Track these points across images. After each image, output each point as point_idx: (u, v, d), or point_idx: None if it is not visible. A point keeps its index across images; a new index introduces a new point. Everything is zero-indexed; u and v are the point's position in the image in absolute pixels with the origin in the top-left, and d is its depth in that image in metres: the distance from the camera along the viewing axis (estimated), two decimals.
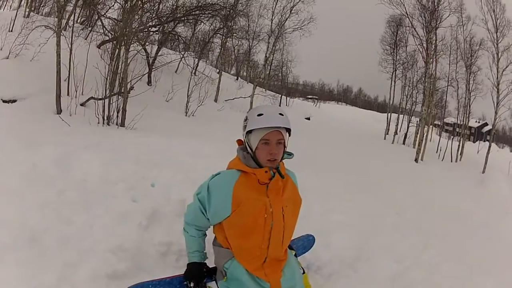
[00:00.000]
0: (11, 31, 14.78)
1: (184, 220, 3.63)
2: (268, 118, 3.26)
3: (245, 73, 43.11)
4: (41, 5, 21.88)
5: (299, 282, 3.58)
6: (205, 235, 3.63)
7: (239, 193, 3.28)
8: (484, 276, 6.23)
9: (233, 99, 24.32)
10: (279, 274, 3.41)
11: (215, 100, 23.04)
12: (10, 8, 20.85)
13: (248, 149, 3.40)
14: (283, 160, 3.46)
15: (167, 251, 4.79)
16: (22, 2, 20.08)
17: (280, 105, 30.64)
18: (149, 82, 18.52)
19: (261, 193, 3.32)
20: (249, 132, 3.33)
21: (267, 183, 3.33)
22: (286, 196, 3.44)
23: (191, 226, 3.55)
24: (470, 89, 30.63)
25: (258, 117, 3.27)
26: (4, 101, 10.53)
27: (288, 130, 3.40)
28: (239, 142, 3.56)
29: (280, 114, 3.32)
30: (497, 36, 27.39)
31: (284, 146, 3.38)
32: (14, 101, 10.71)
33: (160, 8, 19.36)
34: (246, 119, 3.38)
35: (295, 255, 3.89)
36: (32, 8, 19.99)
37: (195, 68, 23.98)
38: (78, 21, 20.47)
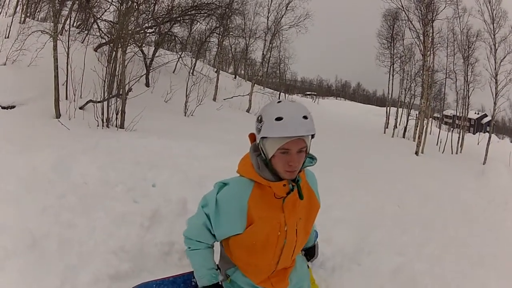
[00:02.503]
0: (8, 37, 14.76)
1: (184, 236, 3.10)
2: (290, 125, 2.58)
3: (243, 72, 43.22)
4: (37, 11, 21.88)
5: (306, 282, 3.39)
6: (212, 247, 3.11)
7: (252, 210, 2.79)
8: (486, 268, 6.25)
9: (232, 97, 24.45)
10: (286, 283, 3.14)
11: (214, 99, 23.07)
12: (6, 14, 20.84)
13: (262, 153, 2.79)
14: (304, 168, 2.89)
15: (169, 251, 4.80)
16: (18, 8, 20.09)
17: None
18: (147, 84, 18.55)
19: (276, 209, 2.84)
20: (264, 137, 2.70)
21: (284, 197, 2.82)
22: (302, 206, 2.96)
23: (193, 240, 3.04)
24: (469, 80, 30.57)
25: (276, 122, 2.60)
26: (2, 108, 10.51)
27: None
28: (252, 137, 2.93)
29: (304, 117, 2.63)
30: (493, 27, 27.38)
31: (306, 153, 2.79)
32: (13, 107, 10.69)
33: (156, 9, 19.42)
34: (260, 120, 2.72)
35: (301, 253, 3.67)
36: (28, 14, 19.95)
37: (192, 68, 24.05)
38: (74, 25, 20.51)
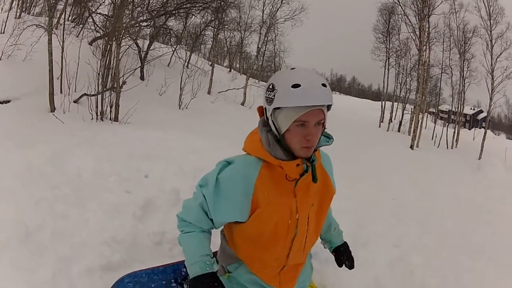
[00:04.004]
0: (3, 33, 14.82)
1: (178, 218, 2.64)
2: (308, 93, 2.22)
3: (237, 65, 43.16)
4: (32, 6, 21.85)
5: (308, 281, 2.98)
6: (208, 232, 2.63)
7: (260, 194, 2.39)
8: (484, 260, 6.24)
9: (227, 90, 24.34)
10: (293, 283, 2.75)
11: (208, 93, 23.02)
12: (1, 10, 20.80)
13: (274, 128, 2.38)
14: (320, 147, 2.51)
15: (161, 241, 4.81)
16: (14, 4, 20.05)
17: None
18: (141, 77, 18.55)
19: (287, 193, 2.43)
20: (277, 108, 2.31)
21: (297, 179, 2.41)
22: (315, 191, 2.54)
23: (187, 222, 2.58)
24: (464, 76, 30.58)
25: (292, 90, 2.22)
26: None
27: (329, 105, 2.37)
28: (260, 110, 2.52)
29: (323, 85, 2.27)
30: (490, 24, 27.36)
31: (324, 127, 2.39)
32: (8, 101, 10.67)
33: (151, 2, 19.33)
34: (273, 89, 2.31)
35: None
36: (23, 9, 19.98)
37: (187, 61, 23.98)
38: (69, 19, 20.47)
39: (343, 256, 3.08)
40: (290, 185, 2.42)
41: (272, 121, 2.37)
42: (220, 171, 2.44)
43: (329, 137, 2.51)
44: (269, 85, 2.35)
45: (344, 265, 3.07)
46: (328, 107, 2.35)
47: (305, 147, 2.31)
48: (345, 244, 3.15)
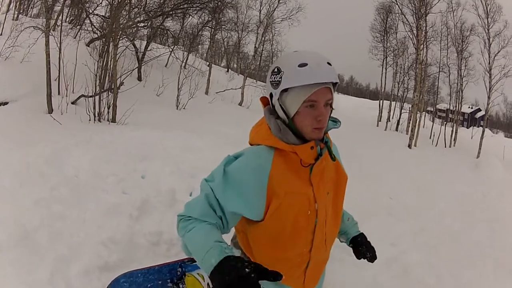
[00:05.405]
0: (1, 34, 14.76)
1: (179, 217, 2.20)
2: (316, 70, 2.13)
3: (235, 65, 43.12)
4: (30, 7, 21.85)
5: (322, 282, 2.66)
6: (216, 226, 2.13)
7: (276, 185, 2.18)
8: (483, 259, 6.24)
9: (224, 91, 24.44)
10: (315, 283, 2.55)
11: (206, 93, 23.02)
12: None
13: (282, 113, 2.25)
14: (329, 130, 2.37)
15: (158, 241, 4.81)
16: (11, 6, 20.05)
17: None
18: (139, 78, 18.55)
19: (303, 182, 2.27)
20: (285, 90, 2.19)
21: (312, 164, 2.26)
22: (329, 178, 2.40)
23: (192, 218, 2.15)
24: (462, 74, 30.62)
25: (300, 69, 2.12)
26: None
27: (334, 85, 2.27)
28: (264, 100, 2.39)
29: (329, 63, 2.20)
30: (488, 22, 27.37)
31: (331, 107, 2.28)
32: (6, 103, 10.66)
33: (148, 2, 19.33)
34: (278, 71, 2.20)
35: None
36: (21, 11, 19.97)
37: (185, 61, 23.96)
38: (67, 20, 20.46)
39: (361, 246, 2.78)
40: (305, 173, 2.26)
41: (280, 105, 2.25)
42: (226, 164, 2.23)
43: (336, 121, 2.40)
44: (274, 69, 2.23)
45: (364, 257, 2.78)
46: (334, 87, 2.25)
47: (317, 128, 2.19)
48: (362, 234, 2.85)
